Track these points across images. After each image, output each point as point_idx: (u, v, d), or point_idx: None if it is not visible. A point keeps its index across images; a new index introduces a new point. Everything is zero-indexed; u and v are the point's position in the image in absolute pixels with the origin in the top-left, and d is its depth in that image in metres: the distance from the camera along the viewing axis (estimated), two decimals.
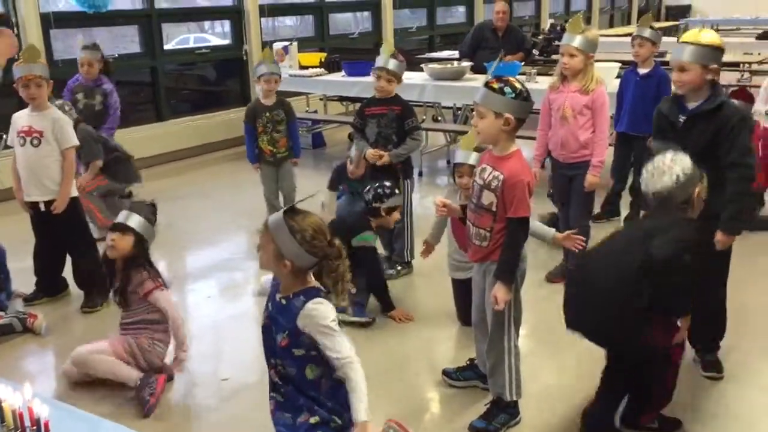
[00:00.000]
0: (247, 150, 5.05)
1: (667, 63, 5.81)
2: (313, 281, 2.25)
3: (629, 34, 12.36)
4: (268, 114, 4.88)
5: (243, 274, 4.57)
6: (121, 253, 3.18)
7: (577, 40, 3.74)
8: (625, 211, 5.08)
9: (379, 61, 4.24)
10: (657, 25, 14.62)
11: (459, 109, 7.68)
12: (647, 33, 4.64)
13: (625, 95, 4.74)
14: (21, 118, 3.78)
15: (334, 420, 2.26)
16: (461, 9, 12.04)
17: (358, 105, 8.06)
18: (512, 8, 11.38)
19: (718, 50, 2.82)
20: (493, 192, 2.57)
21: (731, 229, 2.82)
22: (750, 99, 5.17)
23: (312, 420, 2.25)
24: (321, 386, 2.27)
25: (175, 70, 8.23)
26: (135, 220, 3.21)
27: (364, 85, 7.09)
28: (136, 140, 7.01)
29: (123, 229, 3.18)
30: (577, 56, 3.77)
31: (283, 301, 2.26)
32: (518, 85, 2.54)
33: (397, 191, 3.80)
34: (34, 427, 1.53)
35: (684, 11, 17.42)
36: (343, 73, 7.46)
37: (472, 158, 3.26)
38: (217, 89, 8.84)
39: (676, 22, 15.65)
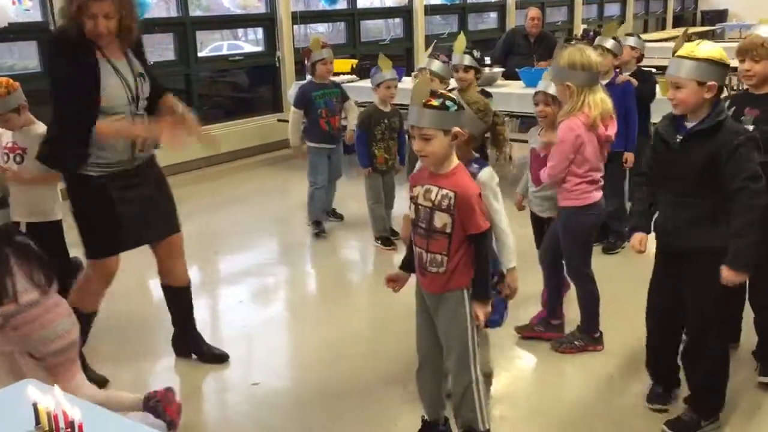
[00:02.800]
0: (362, 157, 4.87)
1: (651, 68, 5.72)
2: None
3: (663, 39, 12.30)
4: (386, 121, 4.82)
5: (274, 279, 4.60)
6: None
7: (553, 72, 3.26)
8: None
9: (423, 64, 4.30)
10: (692, 30, 14.48)
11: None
12: (609, 44, 4.47)
13: None
14: (4, 135, 3.54)
15: None
16: (493, 15, 12.00)
17: None
18: (545, 14, 11.32)
19: (719, 65, 2.50)
20: (447, 212, 2.39)
21: (741, 265, 2.50)
22: None
23: None
24: None
25: (208, 77, 8.32)
26: None
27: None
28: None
29: None
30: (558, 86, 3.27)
31: None
32: (454, 96, 2.42)
33: None
34: (69, 430, 1.55)
35: (720, 16, 17.13)
36: None
37: (551, 89, 3.33)
38: (250, 96, 8.91)
39: (712, 27, 15.41)
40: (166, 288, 3.39)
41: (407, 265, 2.65)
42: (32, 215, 3.43)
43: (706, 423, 2.76)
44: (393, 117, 4.88)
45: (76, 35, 2.86)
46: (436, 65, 4.21)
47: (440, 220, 2.41)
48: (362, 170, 4.90)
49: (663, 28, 16.17)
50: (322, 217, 5.29)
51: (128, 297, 4.10)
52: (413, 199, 2.50)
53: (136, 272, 4.24)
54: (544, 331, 3.53)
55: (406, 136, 4.86)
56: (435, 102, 2.34)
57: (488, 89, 6.41)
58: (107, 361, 3.41)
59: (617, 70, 4.59)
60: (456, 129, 2.37)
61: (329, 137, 5.14)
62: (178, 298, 3.41)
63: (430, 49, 4.46)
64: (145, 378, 3.39)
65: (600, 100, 3.20)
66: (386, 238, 4.92)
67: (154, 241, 3.25)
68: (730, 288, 2.56)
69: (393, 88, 4.85)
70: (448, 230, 2.41)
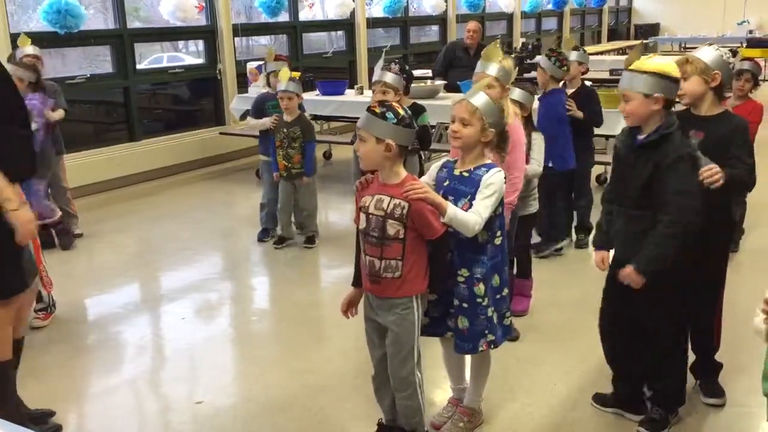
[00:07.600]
0: (272, 161, 5.16)
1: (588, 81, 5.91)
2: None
3: (599, 53, 12.62)
4: (285, 130, 4.99)
5: (218, 294, 4.53)
6: None
7: (493, 69, 3.39)
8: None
9: (376, 75, 4.31)
10: (625, 44, 14.89)
11: (433, 127, 7.71)
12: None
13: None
14: None
15: (495, 278, 2.64)
16: (435, 28, 12.15)
17: (331, 124, 8.13)
18: (484, 27, 11.51)
19: (665, 78, 2.53)
20: (399, 221, 2.46)
21: (645, 269, 2.56)
22: None
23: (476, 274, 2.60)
24: (487, 250, 2.61)
25: (148, 90, 8.17)
26: None
27: (338, 104, 7.13)
28: (108, 160, 6.97)
29: None
30: (495, 86, 3.26)
31: (465, 174, 2.58)
32: (401, 111, 2.47)
33: None
34: None
35: (653, 29, 17.73)
36: (317, 92, 7.48)
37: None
38: (191, 109, 8.79)
39: (645, 41, 15.92)
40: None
41: (359, 281, 2.66)
42: None
43: (672, 416, 2.87)
44: (293, 127, 4.98)
45: None
46: (390, 77, 4.25)
47: (393, 228, 2.48)
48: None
49: (599, 41, 16.65)
50: (270, 224, 5.34)
51: (63, 316, 3.99)
52: (363, 209, 2.55)
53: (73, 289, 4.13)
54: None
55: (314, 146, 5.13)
56: (377, 109, 2.46)
57: (431, 102, 6.51)
58: (42, 384, 3.30)
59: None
60: (389, 141, 2.43)
61: None
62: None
63: (380, 62, 4.48)
64: (80, 398, 3.29)
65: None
66: (281, 238, 5.21)
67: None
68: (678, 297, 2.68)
69: (286, 100, 4.94)
70: (401, 236, 2.48)
